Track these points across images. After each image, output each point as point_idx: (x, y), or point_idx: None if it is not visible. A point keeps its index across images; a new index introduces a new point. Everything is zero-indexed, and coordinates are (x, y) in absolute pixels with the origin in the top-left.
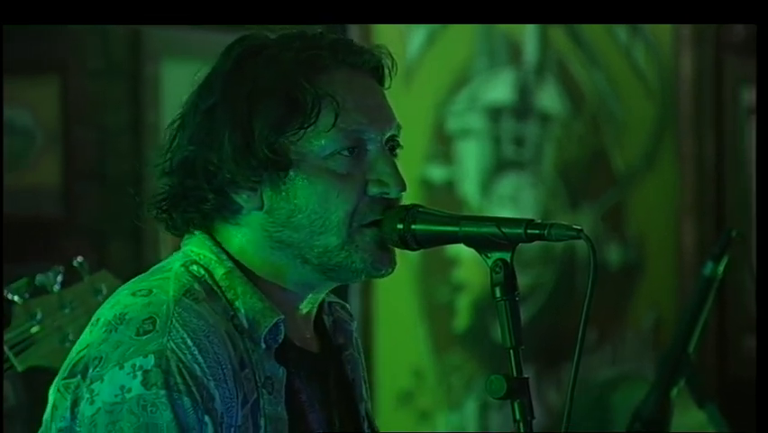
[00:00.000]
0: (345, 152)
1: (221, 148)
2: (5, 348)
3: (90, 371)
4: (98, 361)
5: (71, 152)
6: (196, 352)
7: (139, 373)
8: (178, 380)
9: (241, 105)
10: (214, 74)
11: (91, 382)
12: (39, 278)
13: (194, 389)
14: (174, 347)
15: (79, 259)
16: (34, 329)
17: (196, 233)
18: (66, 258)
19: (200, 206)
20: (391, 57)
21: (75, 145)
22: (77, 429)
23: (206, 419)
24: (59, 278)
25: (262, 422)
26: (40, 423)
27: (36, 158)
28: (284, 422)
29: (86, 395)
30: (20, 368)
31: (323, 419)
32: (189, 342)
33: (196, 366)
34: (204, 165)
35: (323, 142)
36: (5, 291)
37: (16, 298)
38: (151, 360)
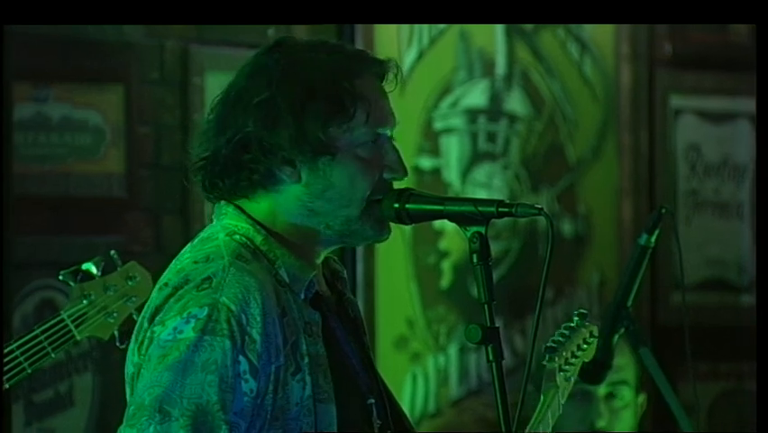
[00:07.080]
0: (370, 143)
1: (278, 134)
2: (67, 321)
3: (156, 318)
4: (163, 312)
5: (133, 145)
6: (244, 305)
7: (192, 320)
8: (224, 326)
9: (295, 102)
10: (265, 71)
11: (155, 326)
12: (85, 265)
13: (236, 334)
14: (226, 300)
15: (112, 252)
16: (88, 307)
17: (229, 208)
18: (129, 231)
19: (251, 176)
20: (398, 66)
21: (136, 140)
22: (144, 365)
23: (241, 358)
24: (101, 266)
25: (306, 360)
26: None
27: (105, 150)
28: (323, 357)
29: (149, 336)
30: (78, 337)
31: (351, 349)
32: (240, 296)
33: (243, 315)
34: (260, 145)
35: (356, 134)
36: (60, 276)
37: (70, 282)
38: (205, 310)
